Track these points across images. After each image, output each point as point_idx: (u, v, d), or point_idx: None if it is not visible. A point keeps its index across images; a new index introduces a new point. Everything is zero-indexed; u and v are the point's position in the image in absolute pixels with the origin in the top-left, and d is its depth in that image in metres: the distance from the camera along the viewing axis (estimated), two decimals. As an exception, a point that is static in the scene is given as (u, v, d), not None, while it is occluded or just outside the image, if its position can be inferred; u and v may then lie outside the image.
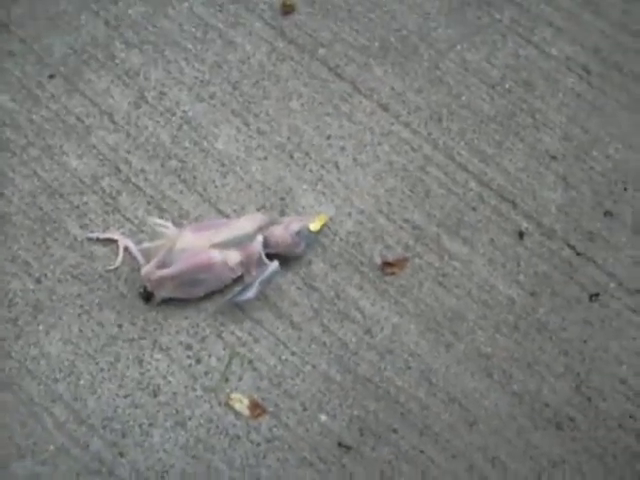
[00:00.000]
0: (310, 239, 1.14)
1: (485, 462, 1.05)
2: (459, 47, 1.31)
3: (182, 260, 1.08)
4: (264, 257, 1.10)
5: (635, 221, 1.20)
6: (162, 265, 1.09)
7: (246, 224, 1.11)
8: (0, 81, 1.26)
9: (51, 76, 1.27)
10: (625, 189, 1.22)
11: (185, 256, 1.08)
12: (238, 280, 1.12)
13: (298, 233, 1.12)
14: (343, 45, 1.31)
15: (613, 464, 1.05)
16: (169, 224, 1.14)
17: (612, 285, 1.16)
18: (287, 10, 1.32)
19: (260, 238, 1.10)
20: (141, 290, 1.12)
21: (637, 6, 1.37)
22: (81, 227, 1.17)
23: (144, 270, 1.09)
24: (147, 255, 1.11)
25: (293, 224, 1.12)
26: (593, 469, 1.05)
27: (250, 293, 1.09)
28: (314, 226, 1.13)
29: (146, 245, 1.13)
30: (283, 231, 1.11)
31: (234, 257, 1.09)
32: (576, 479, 1.04)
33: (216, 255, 1.09)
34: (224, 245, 1.10)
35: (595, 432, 1.07)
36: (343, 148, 1.24)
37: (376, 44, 1.32)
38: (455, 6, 1.36)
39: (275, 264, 1.10)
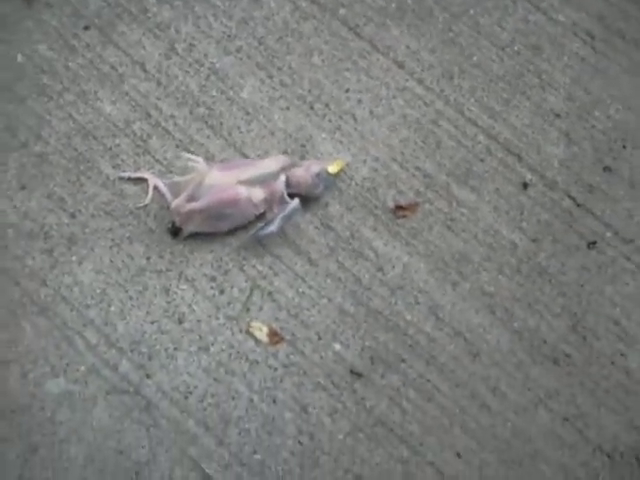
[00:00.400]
0: (328, 181, 1.21)
1: (487, 391, 1.13)
2: (472, 11, 1.38)
3: (210, 195, 1.15)
4: (286, 196, 1.17)
5: (632, 176, 1.27)
6: (191, 199, 1.16)
7: (270, 164, 1.18)
8: (38, 31, 1.32)
9: (86, 27, 1.33)
10: (624, 147, 1.29)
11: (213, 191, 1.15)
12: (261, 217, 1.19)
13: (317, 175, 1.19)
14: (362, 6, 1.37)
15: (605, 398, 1.13)
16: (199, 159, 1.21)
17: (609, 234, 1.23)
18: None
19: (283, 178, 1.17)
20: (169, 225, 1.19)
21: (640, -22, 1.45)
22: (113, 167, 1.23)
23: (174, 203, 1.16)
24: (177, 189, 1.18)
25: (313, 166, 1.19)
26: (586, 401, 1.12)
27: (272, 227, 1.15)
28: (332, 169, 1.20)
29: (177, 179, 1.20)
30: (304, 172, 1.18)
31: (258, 194, 1.16)
32: (570, 410, 1.12)
33: (242, 191, 1.16)
34: (249, 182, 1.17)
35: (589, 368, 1.14)
36: (360, 101, 1.30)
37: (393, 5, 1.38)
38: (469, -27, 1.45)
39: (296, 202, 1.17)
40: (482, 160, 1.27)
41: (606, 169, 1.27)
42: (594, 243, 1.21)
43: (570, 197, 1.25)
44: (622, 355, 1.14)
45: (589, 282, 1.19)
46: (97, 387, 1.10)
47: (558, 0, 1.39)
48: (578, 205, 1.24)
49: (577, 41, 1.35)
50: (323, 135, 1.27)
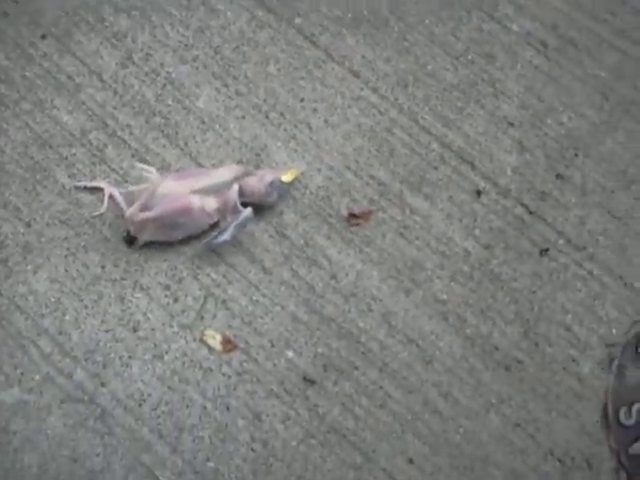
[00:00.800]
0: (282, 190, 1.22)
1: (439, 397, 1.14)
2: (427, 21, 1.39)
3: (163, 204, 1.16)
4: (239, 205, 1.18)
5: (584, 184, 1.28)
6: (145, 208, 1.16)
7: (224, 173, 1.19)
8: (-5, 40, 1.35)
9: (43, 36, 1.33)
10: (576, 155, 1.30)
11: (166, 200, 1.16)
12: (214, 226, 1.20)
13: (271, 184, 1.20)
14: (318, 15, 1.38)
15: (556, 403, 1.14)
16: (153, 169, 1.21)
17: (561, 241, 1.24)
18: None
19: (236, 187, 1.18)
20: (124, 234, 1.20)
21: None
22: (69, 176, 1.24)
23: (128, 212, 1.17)
24: (131, 198, 1.19)
25: (267, 175, 1.20)
26: (538, 407, 1.14)
27: (225, 236, 1.16)
28: (286, 178, 1.21)
29: (131, 189, 1.20)
30: (257, 181, 1.19)
31: (211, 203, 1.17)
32: (522, 415, 1.13)
33: (195, 200, 1.17)
34: (203, 192, 1.18)
35: (541, 374, 1.16)
36: (315, 110, 1.31)
37: (349, 15, 1.39)
38: (424, -18, 1.47)
39: (249, 210, 1.17)
40: (436, 168, 1.28)
41: (558, 177, 1.28)
42: (546, 250, 1.22)
43: (523, 205, 1.26)
44: (574, 361, 1.15)
45: (541, 289, 1.20)
46: (52, 396, 1.10)
47: (512, 10, 1.40)
48: (530, 212, 1.25)
49: (530, 50, 1.37)
50: (278, 144, 1.27)
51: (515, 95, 1.33)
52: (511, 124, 1.31)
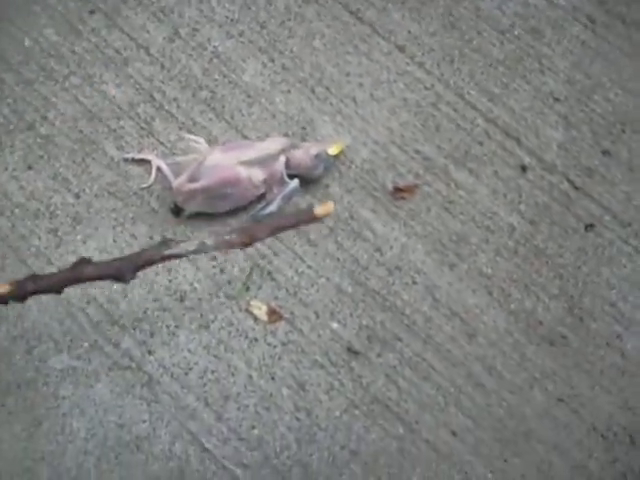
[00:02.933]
0: (328, 163, 1.22)
1: (482, 371, 1.14)
2: (473, -4, 1.42)
3: (211, 175, 1.17)
4: (285, 176, 1.19)
5: (630, 160, 1.27)
6: (192, 179, 1.18)
7: (270, 146, 1.20)
8: (45, 16, 1.35)
9: (92, 12, 1.35)
10: (623, 130, 1.30)
11: (214, 171, 1.17)
12: (261, 198, 1.21)
13: (317, 156, 1.21)
14: (364, -10, 1.42)
15: (600, 378, 1.14)
16: (201, 140, 1.23)
17: (606, 217, 1.24)
18: None
19: (283, 159, 1.19)
20: (172, 205, 1.21)
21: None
22: (118, 149, 1.25)
23: (176, 182, 1.18)
24: (178, 170, 1.20)
25: (313, 148, 1.21)
26: (581, 382, 1.13)
27: (271, 207, 1.17)
28: (332, 151, 1.21)
29: (178, 159, 1.22)
30: (304, 154, 1.20)
31: (258, 175, 1.18)
32: (565, 390, 1.13)
33: (242, 171, 1.18)
34: (250, 163, 1.19)
35: (585, 349, 1.16)
36: (361, 84, 1.32)
37: (395, -10, 1.42)
38: (470, -42, 1.46)
39: (295, 182, 1.18)
40: (481, 143, 1.27)
41: (605, 153, 1.27)
42: (592, 226, 1.22)
43: (568, 180, 1.26)
44: (618, 337, 1.15)
45: (586, 264, 1.20)
46: (99, 363, 1.12)
47: (559, -15, 1.42)
48: (576, 188, 1.25)
49: (577, 25, 1.36)
50: (324, 118, 1.28)
51: (561, 70, 1.33)
52: (557, 99, 1.31)
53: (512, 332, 1.16)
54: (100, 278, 1.01)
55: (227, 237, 1.00)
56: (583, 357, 1.15)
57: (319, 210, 1.03)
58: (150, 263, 1.00)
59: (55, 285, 1.01)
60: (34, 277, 1.02)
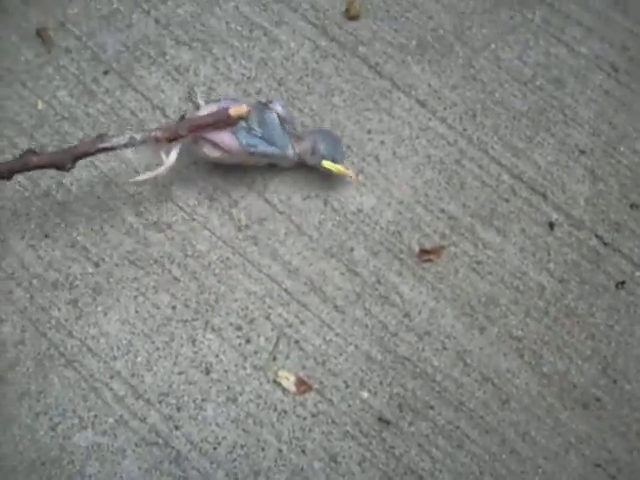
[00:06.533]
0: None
1: (516, 437, 1.12)
2: (493, 46, 1.36)
3: None
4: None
5: (660, 213, 1.27)
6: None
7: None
8: (58, 77, 1.32)
9: (105, 72, 1.33)
10: (650, 182, 1.29)
11: None
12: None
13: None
14: (382, 43, 1.36)
15: (637, 441, 1.11)
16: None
17: (637, 274, 1.21)
18: (352, 17, 1.36)
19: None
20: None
21: (663, 6, 1.43)
22: (136, 215, 1.23)
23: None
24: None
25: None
26: (618, 446, 1.11)
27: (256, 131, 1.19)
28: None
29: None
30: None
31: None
32: (602, 455, 1.11)
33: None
34: None
35: (620, 411, 1.13)
36: (383, 142, 1.29)
37: (413, 42, 1.37)
38: (489, 6, 1.41)
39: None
40: (507, 200, 1.25)
41: (633, 206, 1.25)
42: (623, 283, 1.20)
43: (597, 236, 1.23)
44: (653, 397, 1.14)
45: (618, 323, 1.17)
46: (126, 439, 1.10)
47: (580, 32, 1.37)
48: (605, 244, 1.23)
49: (601, 74, 1.34)
50: (347, 178, 1.26)
51: (586, 122, 1.30)
52: (582, 152, 1.29)
53: (545, 396, 1.14)
54: (44, 167, 1.16)
55: (153, 133, 1.16)
56: (619, 420, 1.13)
57: (233, 111, 1.18)
58: (86, 154, 1.16)
59: (4, 171, 1.15)
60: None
